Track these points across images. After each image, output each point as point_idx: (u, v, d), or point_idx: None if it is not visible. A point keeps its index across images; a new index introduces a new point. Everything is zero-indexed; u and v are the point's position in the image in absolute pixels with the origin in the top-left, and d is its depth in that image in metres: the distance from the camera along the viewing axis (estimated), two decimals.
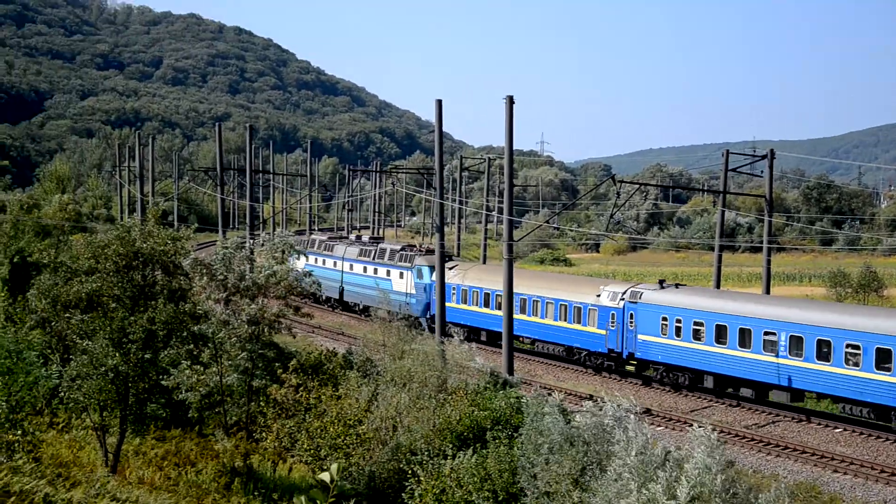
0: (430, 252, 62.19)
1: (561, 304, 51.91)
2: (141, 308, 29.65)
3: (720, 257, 58.93)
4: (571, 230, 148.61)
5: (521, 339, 55.01)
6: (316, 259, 73.21)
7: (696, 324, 44.53)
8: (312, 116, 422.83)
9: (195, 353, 33.02)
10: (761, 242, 59.76)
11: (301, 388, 33.79)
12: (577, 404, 36.92)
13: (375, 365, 36.88)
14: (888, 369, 37.11)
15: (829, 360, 39.10)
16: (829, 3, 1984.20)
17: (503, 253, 43.94)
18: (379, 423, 30.99)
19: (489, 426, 28.86)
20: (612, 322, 48.56)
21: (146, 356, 28.91)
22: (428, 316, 59.60)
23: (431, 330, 51.80)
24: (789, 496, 18.74)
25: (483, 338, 56.75)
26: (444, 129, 47.50)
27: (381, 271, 66.28)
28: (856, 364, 38.16)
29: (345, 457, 30.51)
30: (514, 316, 46.32)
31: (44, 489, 20.58)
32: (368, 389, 33.36)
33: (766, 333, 41.55)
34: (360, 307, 68.75)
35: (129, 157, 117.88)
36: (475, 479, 25.58)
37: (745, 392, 43.26)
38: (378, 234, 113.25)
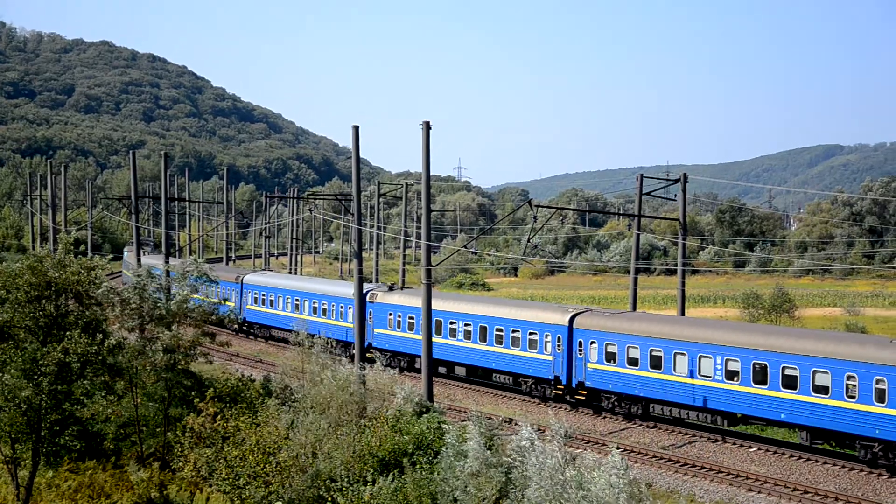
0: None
1: None
2: (56, 338, 29.18)
3: (636, 280, 59.58)
4: (489, 254, 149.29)
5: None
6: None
7: None
8: (229, 143, 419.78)
9: (110, 383, 32.55)
10: (676, 265, 60.57)
11: (219, 417, 33.43)
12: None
13: (294, 392, 36.63)
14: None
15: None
16: (730, 30, 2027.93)
17: (422, 278, 44.02)
18: (298, 450, 30.76)
19: (411, 451, 28.83)
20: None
21: (60, 388, 28.43)
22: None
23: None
24: None
25: None
26: (362, 155, 47.55)
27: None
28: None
29: (264, 485, 30.21)
30: None
31: None
32: (287, 417, 33.11)
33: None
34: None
35: (40, 186, 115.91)
36: None
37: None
38: (295, 261, 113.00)
